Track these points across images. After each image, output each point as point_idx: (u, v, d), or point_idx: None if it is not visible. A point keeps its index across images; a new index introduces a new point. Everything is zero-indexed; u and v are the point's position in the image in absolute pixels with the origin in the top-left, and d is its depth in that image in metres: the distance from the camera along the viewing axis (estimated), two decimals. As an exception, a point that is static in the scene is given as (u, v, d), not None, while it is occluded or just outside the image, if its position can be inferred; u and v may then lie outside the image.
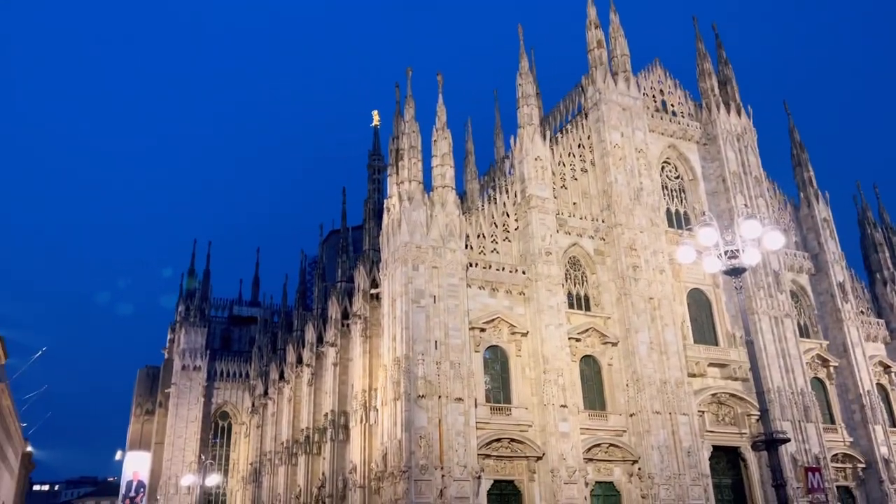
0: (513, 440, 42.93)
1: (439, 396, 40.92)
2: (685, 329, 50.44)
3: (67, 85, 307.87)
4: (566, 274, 49.60)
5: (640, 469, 44.78)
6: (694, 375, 48.98)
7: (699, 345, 50.64)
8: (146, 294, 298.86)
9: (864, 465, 52.63)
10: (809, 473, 30.27)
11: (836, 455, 51.58)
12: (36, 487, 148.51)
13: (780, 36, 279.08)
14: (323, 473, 57.08)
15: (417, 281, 43.57)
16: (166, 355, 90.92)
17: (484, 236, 48.69)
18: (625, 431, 45.99)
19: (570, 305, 48.69)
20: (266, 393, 76.70)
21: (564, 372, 44.43)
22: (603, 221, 51.60)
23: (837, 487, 50.11)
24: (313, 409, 61.87)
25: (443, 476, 39.17)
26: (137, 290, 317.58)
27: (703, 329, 52.36)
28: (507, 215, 49.95)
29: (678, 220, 55.90)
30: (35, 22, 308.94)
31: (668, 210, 55.70)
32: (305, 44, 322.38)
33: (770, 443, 18.40)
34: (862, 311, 59.36)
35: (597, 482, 44.35)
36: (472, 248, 47.58)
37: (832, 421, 53.97)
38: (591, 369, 47.81)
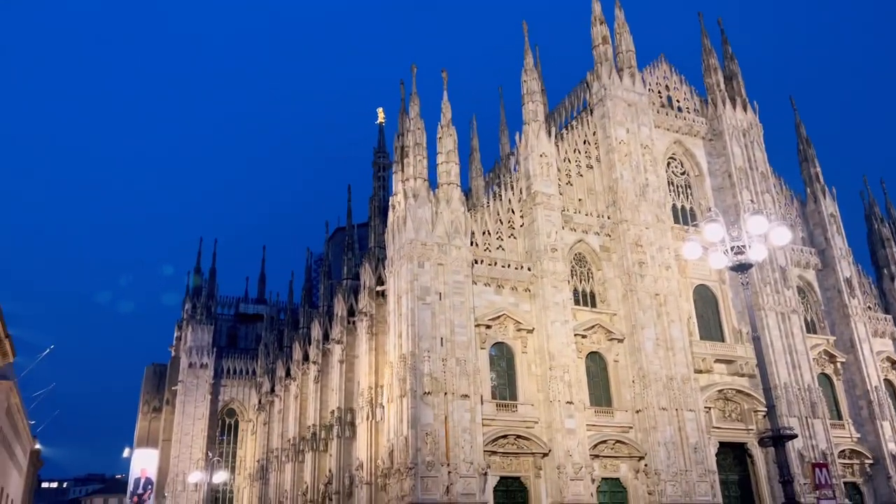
0: (519, 437, 42.97)
1: (445, 393, 40.96)
2: (691, 325, 50.35)
3: (72, 86, 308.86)
4: (572, 270, 49.55)
5: (646, 465, 44.75)
6: (700, 372, 48.90)
7: (705, 341, 50.55)
8: (151, 293, 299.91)
9: (871, 462, 52.47)
10: (817, 469, 30.14)
11: (843, 451, 51.44)
12: (44, 485, 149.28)
13: (787, 31, 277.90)
14: (330, 470, 57.23)
15: (423, 278, 43.60)
16: (173, 353, 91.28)
17: (489, 233, 48.67)
18: (631, 428, 45.96)
19: (576, 302, 48.64)
20: (273, 390, 76.92)
21: (570, 368, 44.42)
22: (608, 218, 51.51)
23: (845, 483, 49.94)
24: (320, 407, 62.05)
25: (449, 473, 39.23)
26: (143, 289, 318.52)
27: (710, 325, 52.26)
28: (513, 212, 49.91)
29: (684, 216, 55.76)
30: (38, 20, 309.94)
31: (673, 206, 55.57)
32: (310, 43, 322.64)
33: (777, 439, 18.36)
34: (869, 307, 59.13)
35: (603, 479, 44.35)
36: (477, 244, 47.57)
37: (839, 417, 53.81)
38: (597, 366, 47.78)
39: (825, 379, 54.66)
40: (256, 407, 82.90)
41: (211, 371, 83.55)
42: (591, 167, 53.68)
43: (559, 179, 51.21)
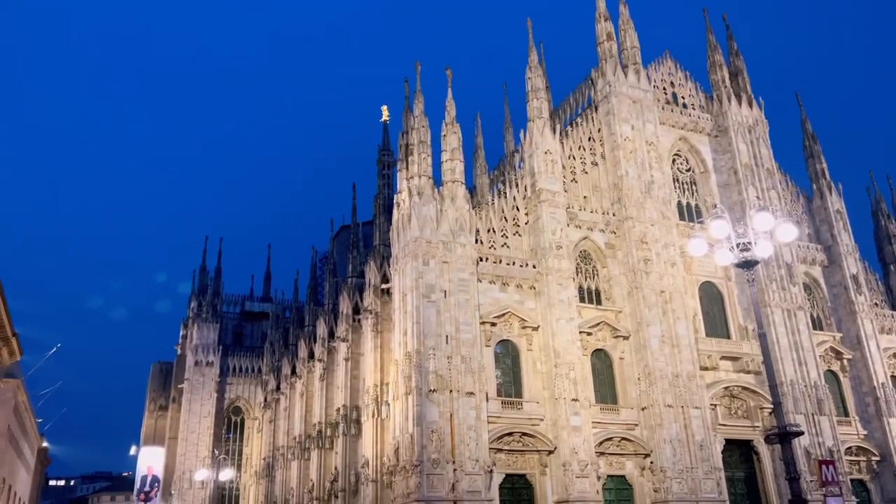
0: (524, 434, 42.97)
1: (450, 391, 40.99)
2: (697, 322, 50.25)
3: (73, 88, 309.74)
4: (577, 268, 49.50)
5: (652, 463, 44.71)
6: (706, 369, 48.80)
7: (711, 338, 50.43)
8: (157, 292, 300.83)
9: (878, 458, 52.30)
10: (823, 466, 30.07)
11: (849, 448, 51.31)
12: (52, 482, 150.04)
13: (792, 27, 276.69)
14: (335, 468, 57.35)
15: (428, 276, 43.61)
16: (179, 351, 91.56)
17: (494, 231, 48.64)
18: (637, 425, 45.91)
19: (581, 299, 48.59)
20: (278, 388, 77.09)
21: (576, 366, 44.39)
22: (614, 215, 51.42)
23: (851, 480, 49.84)
24: (325, 404, 62.16)
25: (454, 470, 39.27)
26: (147, 289, 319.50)
27: (715, 322, 52.15)
28: (518, 209, 49.87)
29: (689, 213, 55.62)
30: (40, 19, 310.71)
31: (679, 203, 55.43)
32: (314, 42, 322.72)
33: (783, 436, 18.29)
34: (876, 304, 58.90)
35: (609, 476, 44.33)
36: (482, 242, 47.55)
37: (846, 414, 53.65)
38: (602, 363, 47.74)
39: (832, 376, 54.49)
40: (262, 405, 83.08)
41: (217, 369, 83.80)
42: (596, 164, 53.57)
43: (564, 177, 51.13)
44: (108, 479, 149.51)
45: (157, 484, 78.62)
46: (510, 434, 42.65)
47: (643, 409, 45.99)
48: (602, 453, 43.94)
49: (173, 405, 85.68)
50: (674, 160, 57.28)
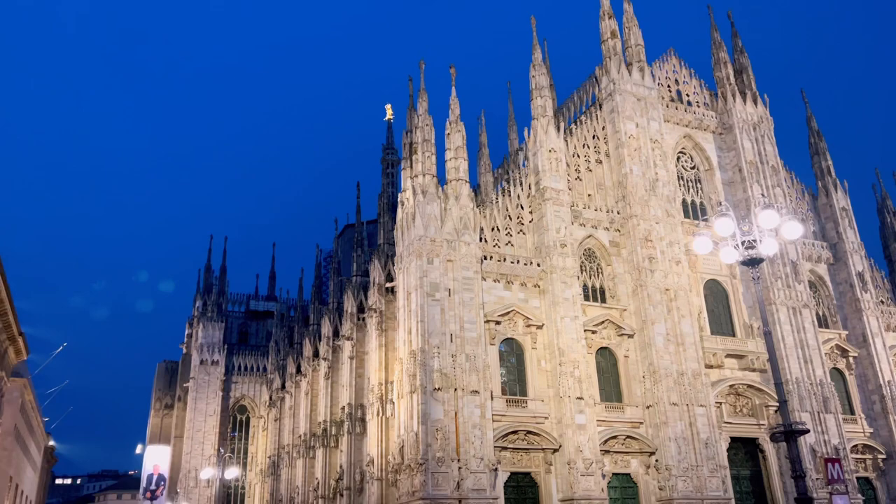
0: (529, 432, 42.97)
1: (455, 389, 41.02)
2: (702, 320, 50.15)
3: (78, 90, 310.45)
4: (581, 266, 49.45)
5: (657, 461, 44.66)
6: (711, 367, 48.72)
7: (716, 336, 50.34)
8: (162, 291, 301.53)
9: (884, 456, 52.14)
10: (829, 464, 30.06)
11: (855, 446, 51.14)
12: (58, 481, 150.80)
13: (797, 23, 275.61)
14: (340, 466, 57.45)
15: (432, 274, 43.62)
16: (184, 350, 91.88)
17: (498, 229, 48.62)
18: (641, 423, 45.87)
19: (586, 297, 48.54)
20: (283, 386, 77.25)
21: (580, 364, 44.36)
22: (618, 213, 51.34)
23: (858, 479, 49.66)
24: (330, 403, 62.28)
25: (459, 468, 39.29)
26: (152, 288, 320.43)
27: (720, 320, 52.04)
28: (522, 208, 49.83)
29: (694, 211, 55.51)
30: (40, 19, 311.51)
31: (683, 201, 55.31)
32: (318, 41, 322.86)
33: (789, 434, 18.27)
34: (882, 301, 58.66)
35: (614, 474, 44.30)
36: (486, 240, 47.54)
37: (852, 412, 53.48)
38: (607, 361, 47.69)
39: (837, 373, 54.32)
40: (267, 403, 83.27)
41: (222, 368, 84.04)
42: (601, 162, 53.49)
43: (568, 175, 51.07)
44: (114, 478, 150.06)
45: (163, 482, 78.94)
46: (515, 432, 42.66)
47: (648, 407, 45.94)
48: (607, 451, 43.91)
49: (179, 404, 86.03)
50: (678, 158, 57.16)
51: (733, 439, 48.00)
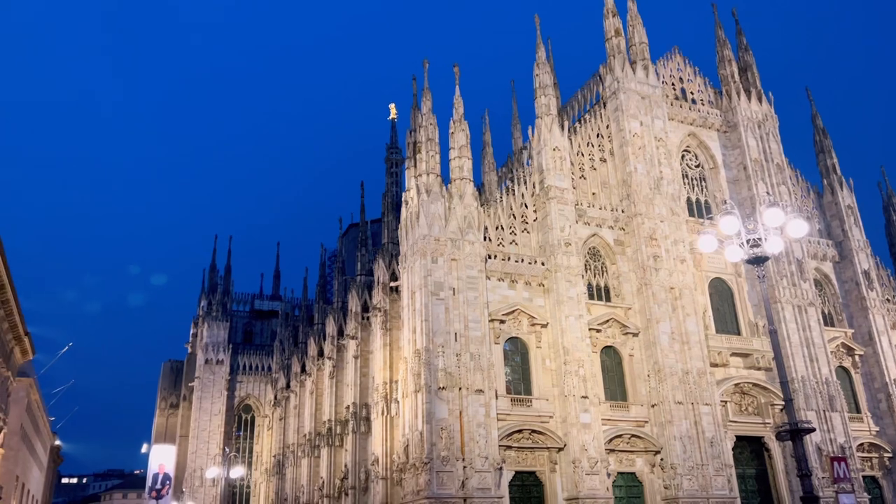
0: (534, 431, 42.95)
1: (460, 388, 41.01)
2: (707, 319, 50.05)
3: (80, 91, 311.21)
4: (586, 265, 49.39)
5: (662, 460, 44.59)
6: (716, 365, 48.63)
7: (721, 334, 50.23)
8: (166, 290, 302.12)
9: (890, 455, 51.97)
10: (835, 463, 29.98)
11: (861, 444, 51.00)
12: (64, 480, 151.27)
13: (802, 21, 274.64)
14: (345, 465, 57.53)
15: (436, 273, 43.62)
16: (189, 349, 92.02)
17: (502, 228, 48.58)
18: (646, 422, 45.79)
19: (591, 296, 48.48)
20: (288, 386, 77.37)
21: (585, 363, 44.31)
22: (623, 211, 51.26)
23: (864, 477, 49.54)
24: (335, 402, 62.35)
25: (464, 467, 39.30)
26: (156, 287, 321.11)
27: (726, 319, 51.92)
28: (526, 206, 49.78)
29: (699, 209, 55.37)
30: (41, 19, 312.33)
31: (688, 199, 55.19)
32: (322, 40, 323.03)
33: (795, 432, 18.19)
34: (888, 299, 58.44)
35: (619, 473, 44.26)
36: (490, 239, 47.51)
37: (858, 410, 53.32)
38: (611, 360, 47.63)
39: (843, 372, 54.16)
40: (272, 402, 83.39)
41: (227, 367, 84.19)
42: (605, 161, 53.40)
43: (572, 173, 50.99)
44: (120, 477, 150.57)
45: (168, 482, 79.12)
46: (520, 431, 42.64)
47: (653, 406, 45.86)
48: (612, 450, 43.86)
49: (184, 403, 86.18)
50: (683, 156, 57.02)
51: (738, 438, 47.89)
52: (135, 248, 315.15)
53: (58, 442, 77.48)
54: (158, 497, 69.61)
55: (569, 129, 52.79)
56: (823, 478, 45.31)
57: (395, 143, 68.25)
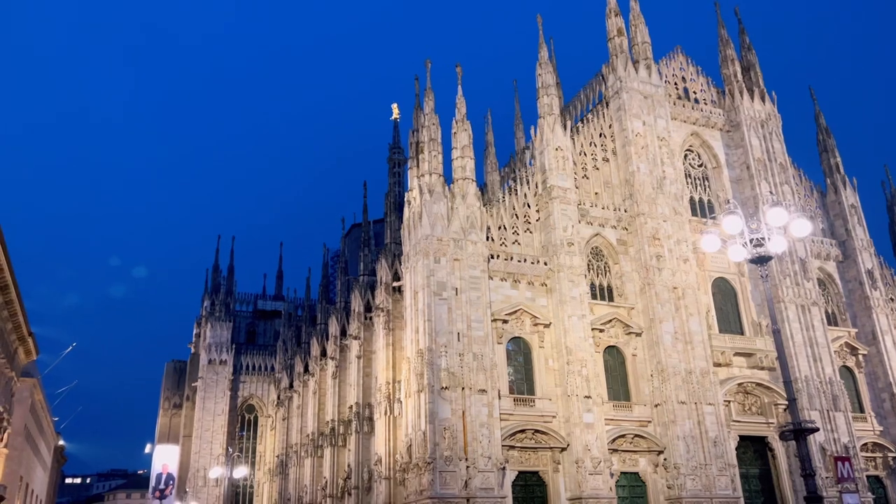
0: (537, 431, 42.94)
1: (463, 388, 41.02)
2: (710, 318, 49.98)
3: (82, 92, 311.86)
4: (588, 264, 49.36)
5: (665, 459, 44.56)
6: (719, 365, 48.56)
7: (724, 334, 50.17)
8: (170, 290, 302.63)
9: (894, 455, 51.84)
10: (839, 463, 29.87)
11: (865, 444, 50.88)
12: (68, 480, 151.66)
13: (805, 20, 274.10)
14: (348, 465, 57.56)
15: (439, 273, 43.63)
16: (192, 350, 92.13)
17: (505, 228, 48.58)
18: (650, 422, 45.76)
19: (593, 296, 48.45)
20: (291, 386, 77.44)
21: (588, 363, 44.29)
22: (625, 211, 51.21)
23: (868, 477, 49.43)
24: (338, 402, 62.38)
25: (467, 467, 39.30)
26: (160, 287, 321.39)
27: (729, 318, 51.85)
28: (529, 206, 49.77)
29: (702, 209, 55.31)
30: (43, 17, 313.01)
31: (691, 198, 55.12)
32: (324, 40, 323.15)
33: (798, 432, 18.15)
34: (891, 298, 58.26)
35: (622, 473, 44.23)
36: (493, 239, 47.51)
37: (861, 410, 53.21)
38: (614, 360, 47.60)
39: (847, 371, 54.06)
40: (276, 402, 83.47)
41: (230, 367, 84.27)
42: (608, 160, 53.36)
43: (575, 173, 50.96)
44: (123, 477, 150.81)
45: (171, 481, 79.34)
46: (522, 431, 42.64)
47: (656, 405, 45.82)
48: (615, 450, 43.83)
49: (187, 403, 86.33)
50: (686, 155, 56.96)
51: (742, 438, 47.82)
52: (138, 249, 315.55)
53: (61, 442, 77.67)
54: (162, 497, 69.82)
55: (571, 129, 52.76)
56: (827, 478, 45.24)
57: (398, 143, 68.31)
